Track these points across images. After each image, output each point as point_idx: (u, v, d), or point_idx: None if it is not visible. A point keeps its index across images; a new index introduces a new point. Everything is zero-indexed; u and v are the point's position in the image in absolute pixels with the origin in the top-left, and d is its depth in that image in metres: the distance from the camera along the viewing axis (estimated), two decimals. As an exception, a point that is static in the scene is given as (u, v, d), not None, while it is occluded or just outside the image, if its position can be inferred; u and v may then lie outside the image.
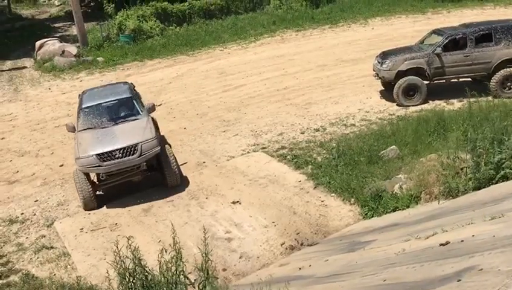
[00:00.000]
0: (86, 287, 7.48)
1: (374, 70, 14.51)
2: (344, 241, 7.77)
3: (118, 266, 5.16)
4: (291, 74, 17.17)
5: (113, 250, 5.32)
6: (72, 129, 10.84)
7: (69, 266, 8.27)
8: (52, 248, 8.81)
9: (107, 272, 5.40)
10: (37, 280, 7.80)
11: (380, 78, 14.29)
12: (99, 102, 11.12)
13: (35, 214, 9.97)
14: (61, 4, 33.33)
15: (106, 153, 9.80)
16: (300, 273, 6.60)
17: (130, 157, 9.86)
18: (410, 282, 4.14)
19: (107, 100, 11.20)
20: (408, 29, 21.24)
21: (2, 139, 14.14)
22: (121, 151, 9.83)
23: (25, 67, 21.50)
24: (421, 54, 13.61)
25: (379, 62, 14.09)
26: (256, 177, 10.58)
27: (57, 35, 25.72)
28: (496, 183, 7.53)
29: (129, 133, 10.23)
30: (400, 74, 13.61)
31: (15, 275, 8.04)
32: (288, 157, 11.29)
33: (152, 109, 11.37)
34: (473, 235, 4.77)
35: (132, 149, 9.88)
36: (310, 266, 6.84)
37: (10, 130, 14.78)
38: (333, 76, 16.61)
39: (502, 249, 3.92)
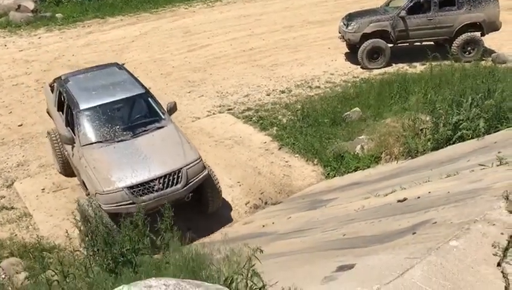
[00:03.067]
0: (48, 246, 7.43)
1: (339, 33, 14.50)
2: (306, 200, 7.97)
3: (79, 223, 5.13)
4: (257, 35, 16.95)
5: (75, 210, 5.28)
6: (70, 141, 7.77)
7: (30, 227, 8.14)
8: (12, 208, 8.62)
9: (66, 232, 5.33)
10: (-2, 241, 7.67)
11: (345, 40, 14.31)
12: (105, 101, 7.99)
13: (-7, 175, 9.70)
14: (15, -44, 31.51)
15: (141, 184, 7.02)
16: (263, 231, 6.76)
17: (174, 187, 7.14)
18: (369, 236, 4.31)
19: (115, 98, 8.05)
20: (374, -8, 21.19)
21: (-44, 98, 13.50)
22: (161, 181, 7.09)
23: (-23, 22, 20.34)
24: (386, 17, 13.67)
25: (345, 24, 14.08)
26: (221, 139, 10.57)
27: (12, -11, 24.35)
28: (453, 143, 7.82)
29: (163, 152, 7.49)
30: (365, 37, 13.68)
31: (-26, 236, 7.88)
32: (253, 118, 11.31)
33: (174, 109, 8.46)
34: (429, 192, 4.99)
35: (175, 177, 7.20)
36: (273, 223, 7.01)
37: (-36, 88, 14.12)
38: (299, 37, 16.51)
39: (454, 203, 4.12)
